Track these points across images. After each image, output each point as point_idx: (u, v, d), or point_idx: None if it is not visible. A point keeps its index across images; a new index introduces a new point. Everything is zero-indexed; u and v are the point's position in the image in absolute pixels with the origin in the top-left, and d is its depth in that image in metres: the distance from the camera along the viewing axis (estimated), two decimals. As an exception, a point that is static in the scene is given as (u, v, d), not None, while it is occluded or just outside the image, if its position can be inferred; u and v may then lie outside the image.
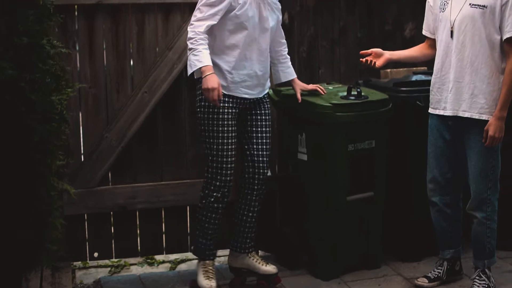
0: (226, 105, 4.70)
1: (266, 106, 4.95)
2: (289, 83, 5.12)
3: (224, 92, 4.66)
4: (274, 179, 5.45)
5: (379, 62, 4.99)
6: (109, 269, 5.57)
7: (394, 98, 5.22)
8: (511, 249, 5.54)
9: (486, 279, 4.83)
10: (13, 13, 3.48)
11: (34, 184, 3.66)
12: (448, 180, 4.85)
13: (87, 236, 5.39)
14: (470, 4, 4.57)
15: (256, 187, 4.90)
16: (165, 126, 5.41)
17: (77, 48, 5.22)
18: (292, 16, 5.78)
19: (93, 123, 5.27)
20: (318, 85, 5.17)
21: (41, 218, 3.79)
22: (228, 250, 5.13)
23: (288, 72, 5.10)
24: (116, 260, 5.59)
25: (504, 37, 4.52)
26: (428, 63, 5.46)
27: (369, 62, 4.97)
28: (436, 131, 4.82)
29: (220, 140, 4.71)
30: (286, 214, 5.51)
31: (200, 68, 4.54)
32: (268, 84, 4.97)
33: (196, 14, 4.62)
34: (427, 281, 5.01)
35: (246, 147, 4.91)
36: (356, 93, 5.06)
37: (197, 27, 4.57)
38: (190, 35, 4.59)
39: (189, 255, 5.63)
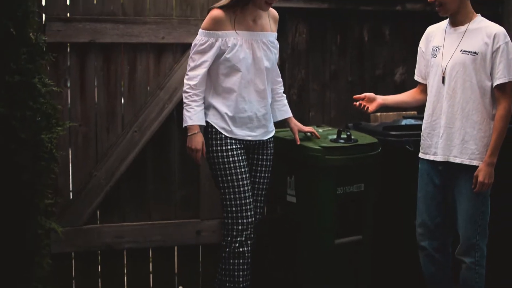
0: (234, 147, 4.67)
1: (269, 152, 4.91)
2: (285, 121, 5.09)
3: (228, 135, 4.66)
4: (263, 222, 5.43)
5: (371, 107, 5.01)
6: (95, 307, 5.53)
7: (383, 142, 5.23)
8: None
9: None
10: (6, 51, 3.48)
11: (22, 223, 3.64)
12: (437, 225, 4.85)
13: (74, 274, 5.35)
14: (461, 50, 4.60)
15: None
16: (155, 165, 5.41)
17: (69, 85, 5.23)
18: (284, 58, 5.82)
19: (82, 161, 5.27)
20: (312, 128, 5.17)
21: (28, 256, 3.76)
22: None
23: (284, 110, 5.06)
24: (103, 299, 5.55)
25: (495, 84, 4.55)
26: (418, 107, 5.49)
27: (362, 106, 5.00)
28: (426, 176, 4.83)
29: (236, 183, 4.66)
30: (275, 258, 5.48)
31: (187, 126, 4.58)
32: (272, 126, 4.93)
33: (190, 63, 4.65)
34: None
35: None
36: (345, 136, 5.07)
37: (191, 79, 4.60)
38: (185, 88, 4.61)
39: (176, 296, 5.60)
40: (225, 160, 4.65)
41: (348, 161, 5.01)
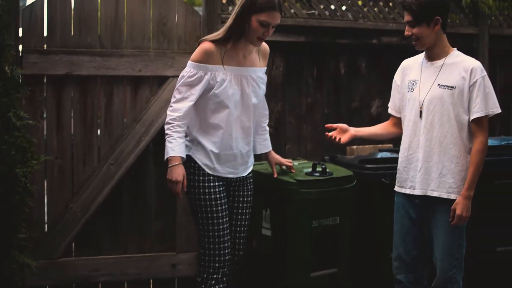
0: (216, 183, 4.59)
1: (249, 187, 4.81)
2: (262, 154, 5.04)
3: (210, 172, 4.58)
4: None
5: (344, 138, 4.98)
6: None
7: (359, 175, 5.25)
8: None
9: None
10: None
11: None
12: (413, 258, 4.85)
13: (48, 308, 5.32)
14: (439, 84, 4.62)
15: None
16: (131, 198, 5.41)
17: (45, 117, 5.23)
18: (260, 91, 5.84)
19: (58, 194, 5.25)
20: (290, 160, 5.17)
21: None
22: None
23: (264, 145, 4.99)
24: (79, 332, 5.51)
25: (472, 118, 4.57)
26: (394, 140, 5.52)
27: (333, 137, 4.97)
28: (402, 209, 4.83)
29: (215, 221, 4.59)
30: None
31: (169, 157, 4.47)
32: (252, 160, 4.86)
33: (175, 94, 4.53)
34: None
35: None
36: (321, 169, 5.08)
37: (175, 111, 4.49)
38: (168, 119, 4.50)
39: (151, 330, 5.57)
40: (206, 197, 4.57)
41: (323, 194, 5.01)
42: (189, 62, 4.52)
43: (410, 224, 4.78)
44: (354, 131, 5.01)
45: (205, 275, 4.65)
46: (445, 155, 4.60)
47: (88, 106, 5.32)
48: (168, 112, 4.52)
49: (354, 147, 5.90)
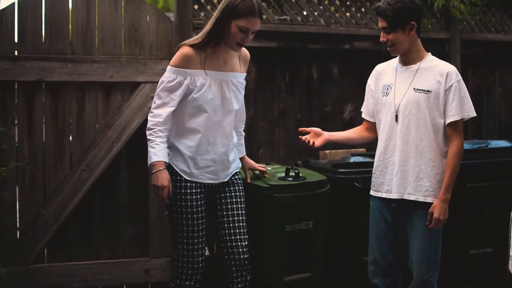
0: (194, 191, 4.55)
1: (235, 188, 4.74)
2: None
3: (187, 178, 4.54)
4: (213, 260, 5.42)
5: (318, 142, 4.97)
6: None
7: (332, 180, 5.27)
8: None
9: None
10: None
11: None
12: (389, 262, 4.85)
13: (20, 315, 5.28)
14: (414, 89, 4.63)
15: (234, 274, 4.72)
16: (103, 204, 5.38)
17: (16, 123, 5.20)
18: (233, 96, 5.84)
19: (29, 200, 5.22)
20: (264, 165, 5.16)
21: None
22: None
23: (240, 150, 4.93)
24: None
25: (448, 121, 4.59)
26: (367, 144, 5.54)
27: (307, 141, 4.98)
28: (378, 213, 4.83)
29: (190, 228, 4.55)
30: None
31: (152, 162, 4.44)
32: (236, 165, 4.79)
33: (156, 100, 4.50)
34: None
35: (219, 233, 4.73)
36: (294, 174, 5.09)
37: (156, 116, 4.45)
38: (149, 124, 4.47)
39: (125, 336, 5.54)
40: (183, 203, 4.54)
41: (297, 198, 5.03)
42: (168, 67, 4.49)
43: (386, 228, 4.78)
44: (327, 135, 5.00)
45: (177, 281, 4.63)
46: (422, 159, 4.61)
47: (59, 112, 5.29)
48: (149, 118, 4.49)
49: (327, 151, 5.91)
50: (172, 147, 4.55)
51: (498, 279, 5.54)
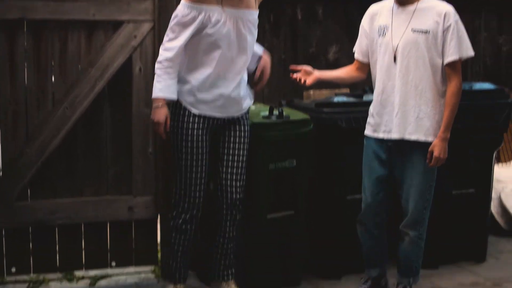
0: (196, 126, 4.61)
1: (242, 128, 4.83)
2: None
3: (194, 111, 4.59)
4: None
5: (309, 80, 5.02)
6: (27, 284, 5.44)
7: (316, 119, 5.27)
8: (432, 268, 5.65)
9: (410, 296, 4.92)
10: None
11: None
12: (380, 201, 4.90)
13: (4, 251, 5.28)
14: (412, 29, 4.63)
15: (224, 211, 4.84)
16: (86, 142, 5.35)
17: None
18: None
19: (12, 139, 5.19)
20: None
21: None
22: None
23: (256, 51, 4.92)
24: (34, 275, 5.46)
25: (446, 61, 4.61)
26: (352, 85, 5.53)
27: (298, 79, 5.01)
28: (372, 153, 4.85)
29: (189, 162, 4.62)
30: (206, 232, 5.49)
31: (153, 97, 4.52)
32: (248, 102, 4.84)
33: (169, 33, 4.52)
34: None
35: (217, 169, 4.81)
36: (277, 113, 5.10)
37: (168, 50, 4.49)
38: (160, 58, 4.52)
39: (109, 271, 5.57)
40: (184, 138, 4.60)
41: (280, 137, 5.05)
42: (182, 1, 4.49)
43: (379, 167, 4.83)
44: (318, 73, 5.05)
45: (174, 213, 4.73)
46: (421, 99, 4.64)
47: (42, 51, 5.22)
48: (160, 51, 4.53)
49: (311, 91, 5.92)
50: (180, 81, 4.58)
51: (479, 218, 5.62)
